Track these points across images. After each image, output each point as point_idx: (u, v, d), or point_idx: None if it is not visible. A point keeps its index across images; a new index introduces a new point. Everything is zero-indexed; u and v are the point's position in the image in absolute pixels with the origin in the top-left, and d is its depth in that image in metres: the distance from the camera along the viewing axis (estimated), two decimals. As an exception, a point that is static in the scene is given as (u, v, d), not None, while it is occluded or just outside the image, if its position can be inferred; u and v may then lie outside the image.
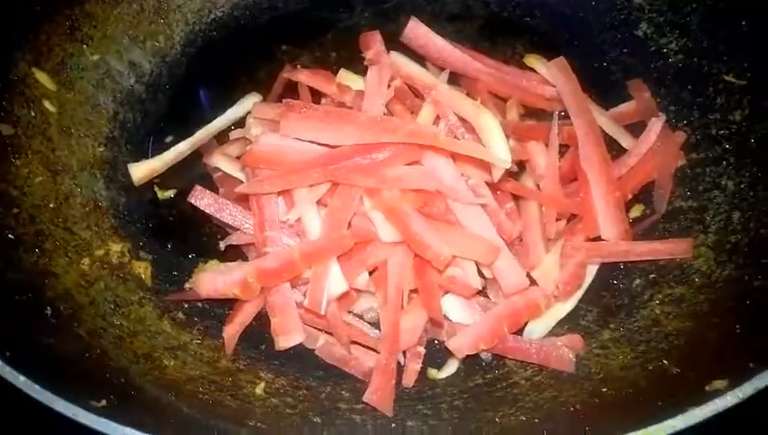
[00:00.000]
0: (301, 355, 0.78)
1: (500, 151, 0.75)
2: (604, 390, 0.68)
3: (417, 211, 0.76)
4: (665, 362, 0.67)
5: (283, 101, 0.80)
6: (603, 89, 1.00)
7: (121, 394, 0.63)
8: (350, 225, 0.77)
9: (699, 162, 0.89)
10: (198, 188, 0.81)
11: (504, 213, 0.83)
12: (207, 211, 0.81)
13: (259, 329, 0.79)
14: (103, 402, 0.58)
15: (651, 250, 0.82)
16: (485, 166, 0.80)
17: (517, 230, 0.82)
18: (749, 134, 0.86)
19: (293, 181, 0.77)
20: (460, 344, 0.74)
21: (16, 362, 0.58)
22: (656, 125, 0.90)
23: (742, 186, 0.82)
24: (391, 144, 0.75)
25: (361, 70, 0.93)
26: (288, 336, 0.76)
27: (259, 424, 0.65)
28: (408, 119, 0.83)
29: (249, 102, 0.97)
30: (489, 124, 0.77)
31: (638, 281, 0.81)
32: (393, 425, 0.69)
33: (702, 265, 0.78)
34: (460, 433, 0.67)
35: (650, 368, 0.68)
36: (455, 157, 0.79)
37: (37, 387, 0.56)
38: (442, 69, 0.96)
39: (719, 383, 0.56)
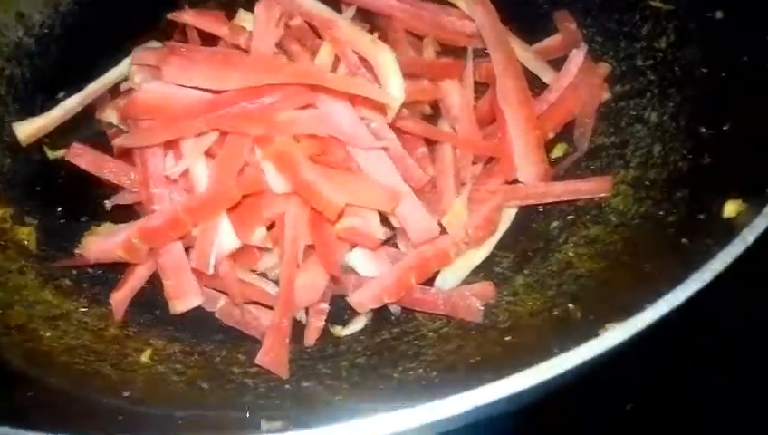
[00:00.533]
0: (199, 319, 0.73)
1: (393, 89, 0.70)
2: (508, 338, 0.64)
3: (311, 159, 0.70)
4: (570, 305, 0.63)
5: (165, 44, 0.74)
6: (530, 22, 0.94)
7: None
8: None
9: (624, 95, 0.83)
10: (76, 145, 0.75)
11: (413, 158, 0.78)
12: (89, 170, 0.75)
13: (153, 293, 0.74)
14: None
15: (570, 190, 0.77)
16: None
17: (428, 176, 0.77)
18: (674, 62, 0.80)
19: (176, 131, 0.71)
20: (363, 298, 0.70)
21: None
22: (576, 57, 0.84)
23: (664, 117, 0.77)
24: (281, 87, 0.69)
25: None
26: (183, 299, 0.71)
27: (137, 395, 0.60)
28: (305, 60, 0.77)
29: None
30: (385, 60, 0.71)
31: (555, 223, 0.77)
32: (287, 386, 0.64)
33: (620, 204, 0.73)
34: (355, 392, 0.63)
35: (556, 313, 0.64)
36: (354, 99, 0.73)
37: None
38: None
39: (612, 326, 0.51)
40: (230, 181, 0.69)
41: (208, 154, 0.73)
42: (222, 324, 0.73)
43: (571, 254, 0.72)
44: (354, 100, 0.73)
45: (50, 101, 0.88)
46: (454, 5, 0.94)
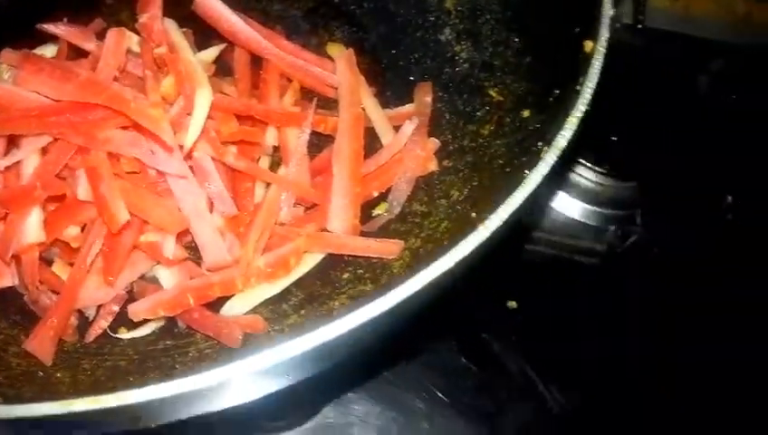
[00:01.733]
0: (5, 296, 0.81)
1: (194, 126, 0.78)
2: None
3: (123, 177, 0.79)
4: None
5: (22, 51, 0.83)
6: (400, 88, 1.02)
7: None
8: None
9: (446, 171, 0.90)
10: None
11: (237, 192, 0.86)
12: None
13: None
14: None
15: (363, 246, 0.84)
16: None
17: (235, 210, 0.84)
18: (488, 149, 0.87)
19: (10, 128, 0.79)
20: (140, 308, 0.77)
21: None
22: (407, 128, 0.92)
23: (460, 198, 0.84)
24: (104, 107, 0.78)
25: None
26: None
27: None
28: (153, 85, 0.85)
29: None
30: (200, 100, 0.79)
31: (347, 275, 0.84)
32: (40, 373, 0.72)
33: (395, 268, 0.80)
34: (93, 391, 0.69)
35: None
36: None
37: None
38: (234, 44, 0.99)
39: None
40: (46, 180, 0.78)
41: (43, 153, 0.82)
42: (27, 307, 0.81)
43: (337, 304, 0.78)
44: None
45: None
46: (332, 60, 1.02)
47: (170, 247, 0.79)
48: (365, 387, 1.02)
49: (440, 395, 1.05)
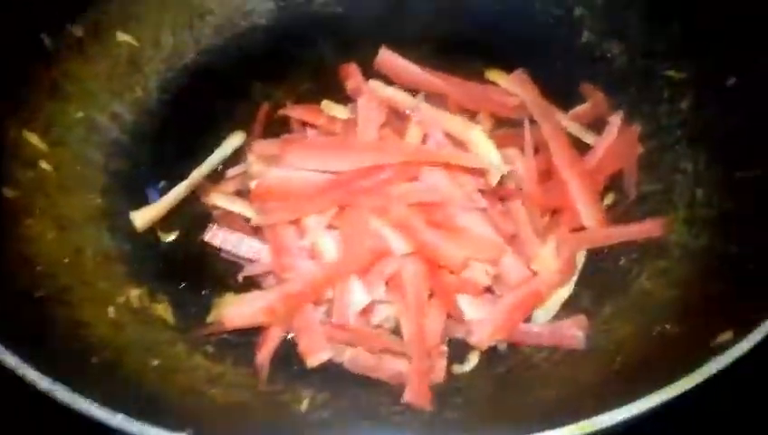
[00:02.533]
0: (331, 369, 0.82)
1: (493, 159, 0.83)
2: (618, 359, 0.75)
3: (424, 222, 0.82)
4: (666, 326, 0.75)
5: (281, 137, 0.86)
6: (558, 96, 1.10)
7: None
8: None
9: (656, 150, 0.99)
10: (213, 226, 0.85)
11: (496, 214, 0.91)
12: (225, 247, 0.84)
13: (288, 350, 0.82)
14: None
15: (628, 232, 0.91)
16: (474, 174, 0.88)
17: (511, 229, 0.89)
18: (697, 120, 0.97)
19: (304, 209, 0.82)
20: (480, 337, 0.80)
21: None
22: (616, 120, 1.00)
23: (699, 167, 0.93)
24: (390, 165, 0.82)
25: (340, 99, 1.00)
26: (316, 355, 0.80)
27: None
28: (399, 140, 0.90)
29: (235, 141, 1.01)
30: (479, 137, 0.85)
31: (623, 261, 0.90)
32: (428, 417, 0.74)
33: (678, 239, 0.87)
34: (496, 417, 0.73)
35: (654, 334, 0.76)
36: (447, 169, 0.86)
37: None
38: (413, 90, 1.04)
39: (724, 336, 0.64)
40: (360, 248, 0.80)
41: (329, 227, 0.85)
42: (352, 373, 0.82)
43: (647, 285, 0.84)
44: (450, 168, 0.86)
45: (152, 190, 0.98)
46: (494, 84, 1.10)
47: (484, 275, 0.83)
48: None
49: None
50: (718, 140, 0.92)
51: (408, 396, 0.75)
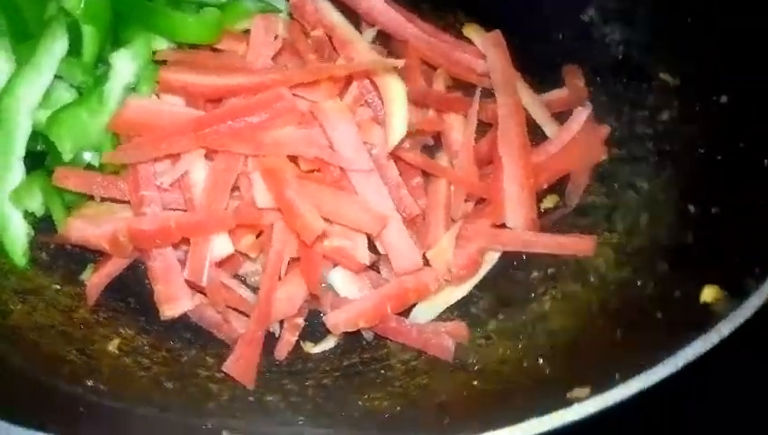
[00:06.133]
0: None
1: (397, 122, 0.71)
2: (475, 383, 0.65)
3: (306, 174, 0.71)
4: (540, 360, 0.64)
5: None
6: (539, 71, 0.95)
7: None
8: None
9: (620, 159, 0.85)
10: (60, 169, 0.73)
11: (408, 188, 0.79)
12: (77, 189, 0.73)
13: (129, 280, 0.73)
14: None
15: (554, 244, 0.78)
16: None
17: (420, 207, 0.78)
18: (674, 136, 0.82)
19: (164, 149, 0.70)
20: (338, 320, 0.70)
21: None
22: (580, 115, 0.86)
23: (655, 189, 0.79)
24: (267, 106, 0.70)
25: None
26: (174, 305, 0.70)
27: (101, 386, 0.60)
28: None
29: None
30: (395, 91, 0.72)
31: (535, 274, 0.78)
32: (251, 398, 0.64)
33: (601, 265, 0.75)
34: (317, 413, 0.63)
35: (525, 365, 0.65)
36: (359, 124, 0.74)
37: None
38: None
39: (580, 392, 0.53)
40: (223, 196, 0.69)
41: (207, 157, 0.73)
42: (193, 323, 0.73)
43: (546, 307, 0.73)
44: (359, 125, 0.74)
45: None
46: (470, 42, 0.96)
47: (364, 250, 0.72)
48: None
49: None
50: (686, 164, 0.78)
51: (228, 365, 0.66)
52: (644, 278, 0.70)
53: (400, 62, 0.73)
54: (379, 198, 0.73)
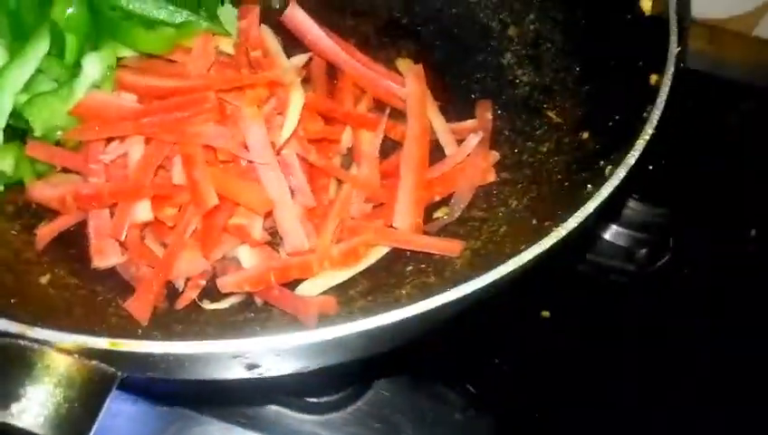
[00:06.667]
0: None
1: (288, 124, 0.87)
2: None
3: (216, 164, 0.88)
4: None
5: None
6: (462, 104, 1.11)
7: None
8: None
9: (504, 181, 0.99)
10: (32, 141, 0.92)
11: (314, 187, 0.95)
12: (44, 160, 0.92)
13: (75, 235, 0.90)
14: None
15: (426, 243, 0.92)
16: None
17: (314, 203, 0.92)
18: (546, 164, 0.96)
19: (105, 132, 0.89)
20: (227, 282, 0.86)
21: None
22: (472, 140, 1.00)
23: (519, 206, 0.92)
24: (192, 104, 0.87)
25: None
26: (103, 257, 0.87)
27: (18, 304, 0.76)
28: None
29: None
30: (293, 101, 0.88)
31: (410, 267, 0.92)
32: (139, 331, 0.80)
33: (458, 265, 0.88)
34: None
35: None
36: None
37: None
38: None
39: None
40: (148, 173, 0.87)
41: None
42: (118, 276, 0.89)
43: (404, 292, 0.87)
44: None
45: None
46: (400, 73, 1.11)
47: (258, 229, 0.87)
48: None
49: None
50: (548, 190, 0.91)
51: (128, 303, 0.82)
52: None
53: (296, 76, 0.90)
54: (275, 187, 0.89)
